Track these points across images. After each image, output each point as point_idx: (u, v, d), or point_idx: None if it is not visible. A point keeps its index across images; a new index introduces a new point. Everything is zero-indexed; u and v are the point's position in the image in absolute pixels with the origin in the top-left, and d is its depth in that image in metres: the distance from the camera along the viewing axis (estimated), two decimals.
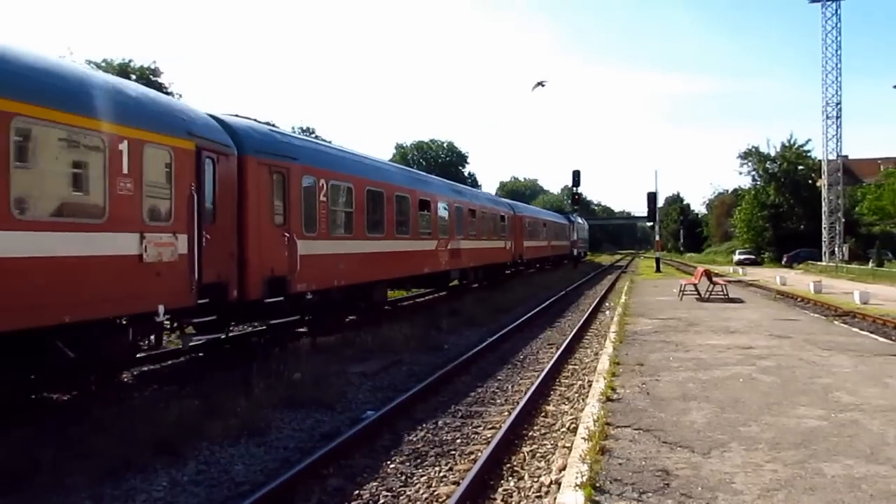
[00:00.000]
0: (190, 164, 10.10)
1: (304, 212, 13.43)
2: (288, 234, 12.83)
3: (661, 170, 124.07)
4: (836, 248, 52.34)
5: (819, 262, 51.03)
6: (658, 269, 47.96)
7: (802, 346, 12.59)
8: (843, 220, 53.41)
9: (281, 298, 12.47)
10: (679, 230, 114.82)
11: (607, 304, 24.92)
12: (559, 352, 13.57)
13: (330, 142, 62.86)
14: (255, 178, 11.96)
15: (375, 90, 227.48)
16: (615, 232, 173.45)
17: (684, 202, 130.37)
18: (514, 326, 17.32)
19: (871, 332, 15.82)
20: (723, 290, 23.81)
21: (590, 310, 21.69)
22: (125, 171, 8.74)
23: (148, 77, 49.11)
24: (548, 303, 23.80)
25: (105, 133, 8.42)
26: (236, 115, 12.93)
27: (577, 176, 47.85)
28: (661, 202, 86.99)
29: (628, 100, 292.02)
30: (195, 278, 10.08)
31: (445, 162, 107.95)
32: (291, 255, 12.84)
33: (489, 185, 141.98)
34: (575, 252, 52.55)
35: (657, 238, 54.99)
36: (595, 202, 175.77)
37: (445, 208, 23.67)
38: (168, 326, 10.38)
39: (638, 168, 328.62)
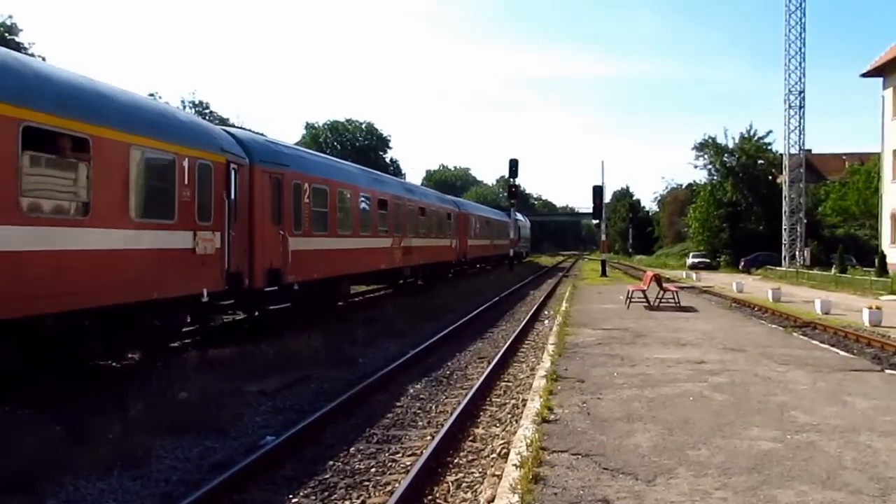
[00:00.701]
0: (222, 175, 14.36)
1: (293, 212, 17.53)
2: (282, 233, 16.83)
3: (609, 161, 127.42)
4: (797, 252, 54.41)
5: (779, 268, 53.01)
6: (604, 273, 49.03)
7: (758, 360, 13.13)
8: (805, 220, 55.55)
9: (276, 288, 16.46)
10: (628, 229, 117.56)
11: (546, 312, 25.35)
12: (491, 366, 13.73)
13: (228, 119, 63.09)
14: (261, 184, 16.05)
15: (281, 60, 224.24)
16: (557, 230, 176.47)
17: (633, 198, 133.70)
18: (440, 337, 17.44)
19: (832, 345, 16.62)
20: (674, 298, 24.57)
21: (527, 318, 22.03)
22: (186, 182, 12.97)
23: (3, 35, 47.09)
24: (480, 310, 24.04)
25: (176, 153, 12.74)
26: (241, 129, 17.71)
27: (514, 165, 48.48)
28: (607, 197, 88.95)
29: (572, 84, 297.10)
30: (225, 268, 14.36)
31: (363, 146, 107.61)
32: (284, 250, 16.87)
33: (414, 175, 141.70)
34: (512, 252, 53.28)
35: (603, 238, 56.11)
36: (535, 195, 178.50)
37: (399, 207, 28.02)
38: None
39: (583, 159, 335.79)
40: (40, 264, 9.48)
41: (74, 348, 10.99)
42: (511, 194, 53.61)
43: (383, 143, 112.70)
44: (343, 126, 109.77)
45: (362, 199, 23.33)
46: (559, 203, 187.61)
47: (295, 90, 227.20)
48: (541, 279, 47.67)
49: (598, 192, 48.75)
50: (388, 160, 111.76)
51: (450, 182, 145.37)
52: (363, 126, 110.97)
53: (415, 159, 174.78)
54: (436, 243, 34.71)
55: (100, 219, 10.59)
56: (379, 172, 30.34)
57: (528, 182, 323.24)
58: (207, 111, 73.48)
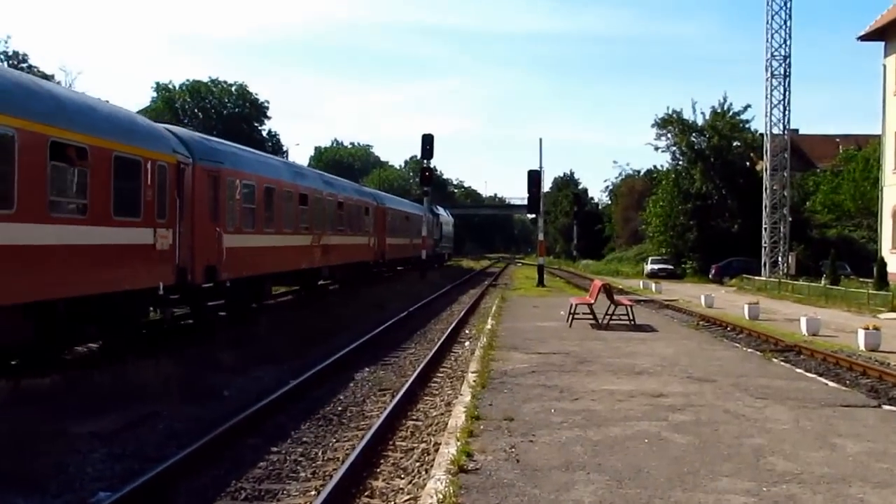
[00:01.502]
0: (174, 174, 19.00)
1: (227, 210, 22.19)
2: (218, 230, 21.29)
3: (548, 140, 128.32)
4: (780, 258, 55.64)
5: (757, 277, 54.18)
6: (541, 283, 49.53)
7: (730, 392, 13.49)
8: (790, 218, 56.73)
9: (211, 284, 21.06)
10: (572, 226, 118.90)
11: (467, 331, 25.58)
12: (395, 400, 13.76)
13: (52, 76, 62.68)
14: (201, 182, 20.64)
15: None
16: (483, 227, 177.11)
17: (579, 186, 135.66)
18: (330, 363, 17.42)
19: (819, 374, 17.27)
20: (628, 314, 24.94)
21: (442, 339, 22.18)
22: (149, 182, 17.63)
23: None
24: (381, 329, 24.05)
25: (142, 157, 17.44)
26: (175, 125, 23.46)
27: (428, 143, 48.58)
28: (547, 185, 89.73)
29: (499, 41, 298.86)
30: (176, 264, 19.01)
31: (233, 114, 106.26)
32: (219, 247, 21.36)
33: (300, 153, 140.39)
34: (424, 255, 53.44)
35: (541, 237, 56.28)
36: (455, 182, 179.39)
37: (319, 201, 33.06)
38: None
39: (516, 136, 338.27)
40: (57, 256, 14.20)
41: (78, 331, 16.11)
42: (424, 180, 53.33)
43: (259, 111, 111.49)
44: (206, 88, 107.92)
45: (286, 194, 28.35)
46: (486, 192, 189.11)
47: (140, 42, 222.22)
48: (462, 287, 47.93)
49: (534, 178, 48.96)
50: (265, 133, 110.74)
51: (346, 163, 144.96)
52: (232, 89, 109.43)
53: (300, 133, 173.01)
54: (354, 241, 40.53)
55: (94, 218, 15.43)
56: (300, 164, 36.85)
57: (447, 165, 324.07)
58: (25, 65, 71.26)
